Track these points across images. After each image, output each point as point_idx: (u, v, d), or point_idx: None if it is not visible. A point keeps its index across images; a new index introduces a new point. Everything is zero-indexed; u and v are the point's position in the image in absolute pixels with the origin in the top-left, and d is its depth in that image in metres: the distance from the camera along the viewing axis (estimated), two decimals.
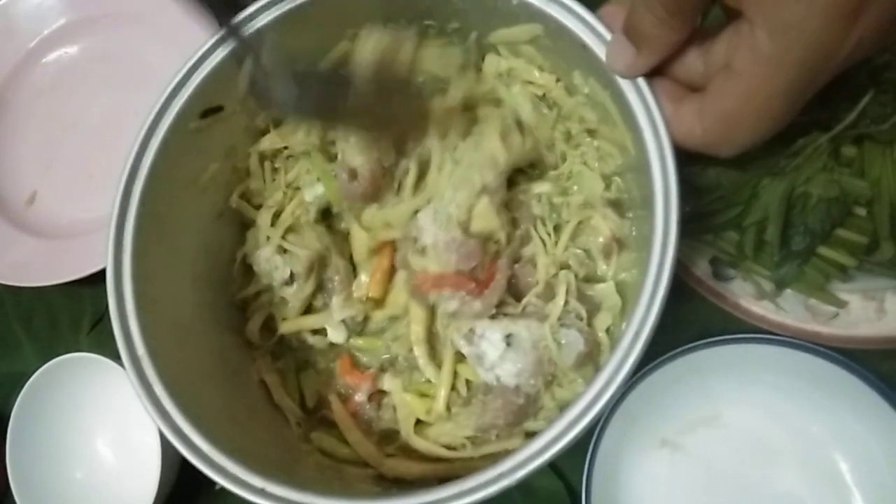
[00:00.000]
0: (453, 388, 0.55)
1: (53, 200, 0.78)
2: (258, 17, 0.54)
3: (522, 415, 0.52)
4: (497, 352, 0.52)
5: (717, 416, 0.57)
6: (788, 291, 0.56)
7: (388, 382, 0.57)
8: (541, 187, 0.57)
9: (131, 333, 0.49)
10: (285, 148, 0.61)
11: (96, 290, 0.71)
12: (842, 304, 0.55)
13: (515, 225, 0.56)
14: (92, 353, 0.63)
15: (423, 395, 0.56)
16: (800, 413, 0.55)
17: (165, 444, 0.57)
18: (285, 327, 0.60)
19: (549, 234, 0.55)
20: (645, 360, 0.53)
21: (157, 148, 0.52)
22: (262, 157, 0.61)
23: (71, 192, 0.78)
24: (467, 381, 0.55)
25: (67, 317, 0.74)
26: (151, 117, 0.53)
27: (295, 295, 0.59)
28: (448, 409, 0.55)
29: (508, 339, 0.52)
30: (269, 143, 0.61)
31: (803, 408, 0.55)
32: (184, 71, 0.54)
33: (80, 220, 0.76)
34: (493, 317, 0.53)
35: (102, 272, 0.51)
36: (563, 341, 0.52)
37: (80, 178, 0.78)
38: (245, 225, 0.62)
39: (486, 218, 0.54)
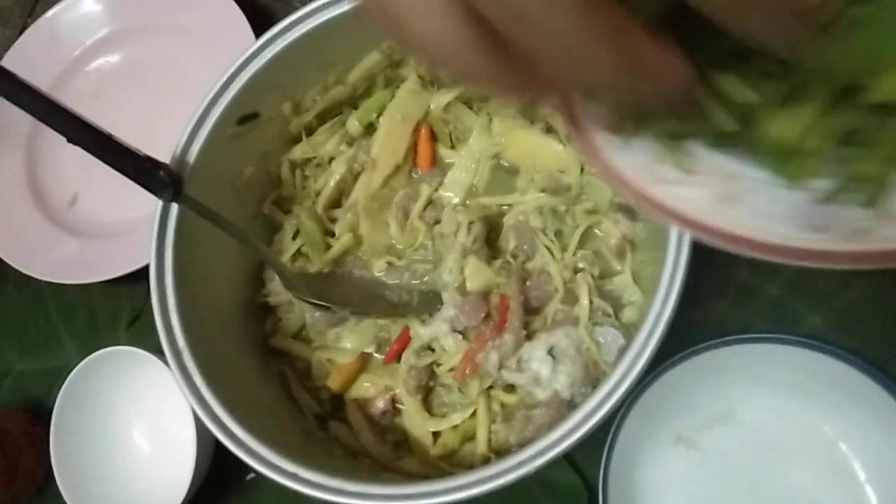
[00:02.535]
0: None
1: (94, 202, 0.82)
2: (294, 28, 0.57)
3: None
4: (548, 367, 0.53)
5: (731, 413, 0.58)
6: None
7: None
8: (538, 200, 0.59)
9: (172, 326, 0.51)
10: (314, 157, 0.64)
11: (134, 288, 0.74)
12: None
13: (517, 247, 0.58)
14: (131, 347, 0.66)
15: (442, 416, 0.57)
16: (813, 412, 0.56)
17: (200, 435, 0.59)
18: (276, 341, 0.62)
19: (552, 242, 0.57)
20: (661, 358, 0.55)
21: (197, 151, 0.56)
22: (294, 166, 0.64)
23: (110, 194, 0.81)
24: (502, 404, 0.56)
25: (106, 314, 0.77)
26: (193, 122, 0.56)
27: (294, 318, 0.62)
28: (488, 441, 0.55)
29: (552, 352, 0.54)
30: (300, 152, 0.64)
31: (817, 407, 0.56)
32: (223, 80, 0.57)
33: (118, 221, 0.79)
34: (528, 338, 0.55)
35: (139, 271, 0.54)
36: (601, 339, 0.54)
37: (119, 181, 0.80)
38: (275, 228, 0.64)
39: (479, 274, 0.56)
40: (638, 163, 0.35)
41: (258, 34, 0.59)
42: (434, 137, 0.64)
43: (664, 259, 0.46)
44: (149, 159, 0.50)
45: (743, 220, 0.32)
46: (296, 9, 0.57)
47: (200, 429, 0.59)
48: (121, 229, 0.78)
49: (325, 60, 0.60)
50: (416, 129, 0.63)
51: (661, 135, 0.34)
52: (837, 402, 0.56)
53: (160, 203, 0.54)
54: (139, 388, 0.68)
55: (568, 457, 0.59)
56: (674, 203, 0.33)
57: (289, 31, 0.57)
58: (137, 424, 0.70)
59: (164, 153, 0.54)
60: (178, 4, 0.82)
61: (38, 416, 0.72)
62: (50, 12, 0.86)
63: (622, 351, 0.52)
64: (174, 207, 0.54)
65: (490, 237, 0.59)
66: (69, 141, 0.49)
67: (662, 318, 0.45)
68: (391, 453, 0.56)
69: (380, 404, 0.57)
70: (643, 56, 0.24)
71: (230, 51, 0.58)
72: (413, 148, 0.64)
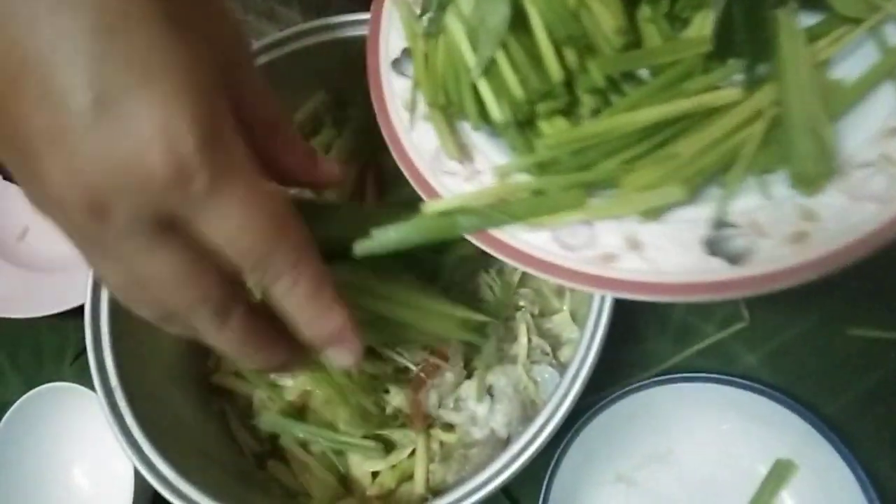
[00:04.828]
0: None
1: (43, 236, 0.81)
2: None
3: None
4: (485, 406, 0.54)
5: (669, 452, 0.59)
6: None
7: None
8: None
9: (105, 364, 0.51)
10: None
11: (81, 323, 0.73)
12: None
13: (460, 284, 0.57)
14: (72, 383, 0.65)
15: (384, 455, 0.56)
16: (748, 451, 0.57)
17: (138, 474, 0.58)
18: (217, 378, 0.61)
19: (494, 280, 0.57)
20: (600, 396, 0.56)
21: None
22: None
23: None
24: (441, 443, 0.56)
25: (52, 348, 0.76)
26: None
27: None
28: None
29: (490, 391, 0.54)
30: None
31: (751, 446, 0.57)
32: None
33: (68, 255, 0.78)
34: (468, 377, 0.55)
35: None
36: (538, 378, 0.55)
37: None
38: None
39: None
40: (429, 149, 0.39)
41: None
42: (382, 178, 0.64)
43: (592, 296, 0.46)
44: None
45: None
46: None
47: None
48: (70, 263, 0.77)
49: None
50: (364, 170, 0.64)
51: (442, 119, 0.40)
52: (771, 441, 0.56)
53: None
54: (79, 425, 0.67)
55: (507, 493, 0.59)
56: (445, 193, 0.38)
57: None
58: (77, 462, 0.69)
59: None
60: None
61: None
62: None
63: (555, 388, 0.52)
64: None
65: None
66: (4, 178, 0.48)
67: (590, 353, 0.46)
68: (330, 493, 0.56)
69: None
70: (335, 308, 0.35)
71: None
72: (361, 188, 0.64)
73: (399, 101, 0.42)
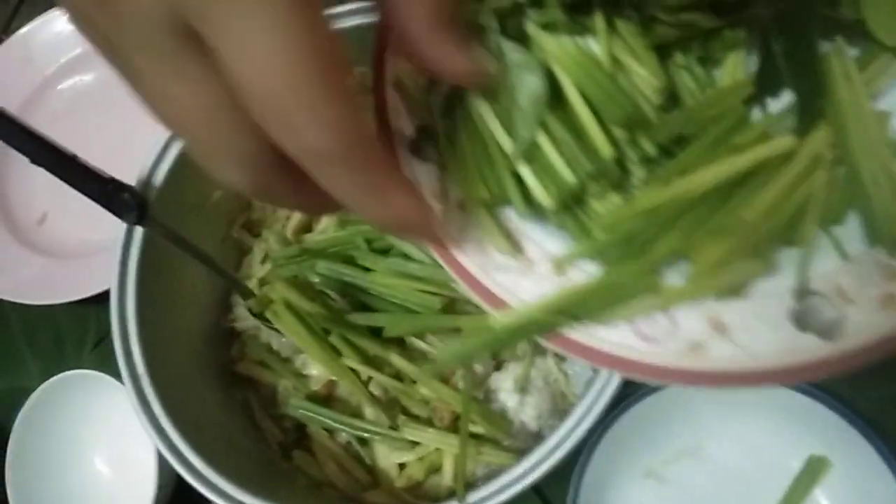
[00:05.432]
0: None
1: (63, 221, 0.81)
2: None
3: None
4: (514, 399, 0.53)
5: (699, 447, 0.58)
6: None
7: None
8: None
9: (132, 352, 0.51)
10: None
11: (101, 309, 0.73)
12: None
13: None
14: (93, 371, 0.65)
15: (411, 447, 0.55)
16: (780, 447, 0.56)
17: (162, 461, 0.58)
18: (241, 367, 0.60)
19: None
20: (629, 391, 0.55)
21: (165, 173, 0.55)
22: None
23: (80, 213, 0.79)
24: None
25: (72, 335, 0.75)
26: (162, 144, 0.55)
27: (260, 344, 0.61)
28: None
29: (521, 384, 0.53)
30: None
31: (783, 441, 0.56)
32: None
33: (88, 241, 0.78)
34: (497, 368, 0.55)
35: (107, 292, 0.53)
36: (569, 371, 0.54)
37: (90, 201, 0.80)
38: (244, 251, 0.64)
39: None
40: (472, 242, 0.34)
41: None
42: None
43: None
44: (113, 181, 0.50)
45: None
46: None
47: (162, 455, 0.58)
48: (90, 249, 0.77)
49: None
50: None
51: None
52: (804, 436, 0.55)
53: (125, 225, 0.53)
54: (102, 413, 0.67)
55: (536, 489, 0.58)
56: (504, 294, 0.33)
57: None
58: (98, 449, 0.68)
59: (136, 173, 0.54)
60: None
61: None
62: (24, 29, 0.85)
63: (590, 383, 0.51)
64: (139, 230, 0.53)
65: None
66: (32, 161, 0.48)
67: None
68: (355, 484, 0.55)
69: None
70: (392, 194, 0.27)
71: None
72: None
73: (427, 193, 0.36)
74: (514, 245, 0.34)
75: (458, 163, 0.35)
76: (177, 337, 0.56)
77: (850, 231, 0.31)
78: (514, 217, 0.35)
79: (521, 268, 0.34)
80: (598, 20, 0.32)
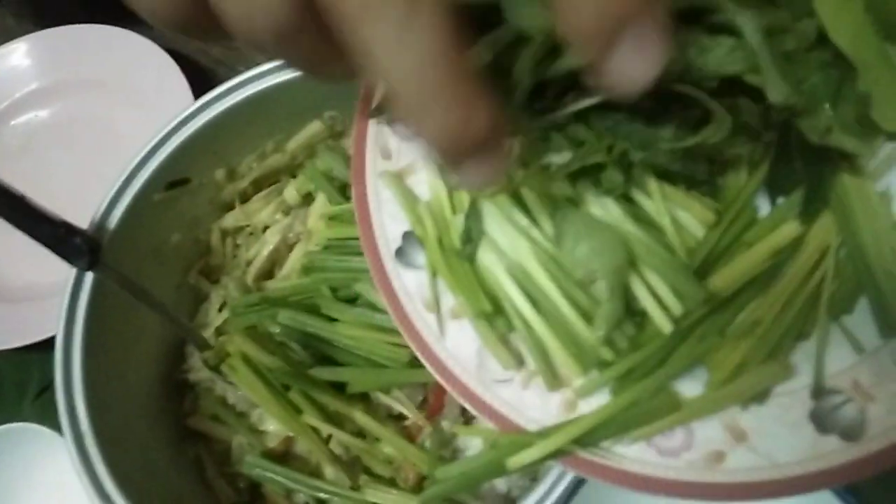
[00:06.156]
0: None
1: (10, 263, 0.77)
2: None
3: None
4: None
5: None
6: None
7: None
8: None
9: (76, 406, 0.47)
10: (247, 225, 0.61)
11: (46, 357, 0.69)
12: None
13: None
14: (33, 424, 0.61)
15: None
16: None
17: None
18: (193, 422, 0.57)
19: None
20: None
21: (119, 216, 0.52)
22: (224, 234, 0.61)
23: (29, 255, 0.76)
24: None
25: (12, 383, 0.71)
26: (117, 186, 0.53)
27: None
28: None
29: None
30: (232, 219, 0.61)
31: None
32: (153, 142, 0.54)
33: (35, 284, 0.74)
34: (466, 423, 0.52)
35: (53, 339, 0.50)
36: None
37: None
38: (201, 298, 0.61)
39: None
40: (468, 354, 0.33)
41: (198, 97, 0.57)
42: None
43: None
44: (64, 224, 0.47)
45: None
46: (239, 73, 0.56)
47: None
48: (36, 293, 0.73)
49: (265, 127, 0.58)
50: None
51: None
52: None
53: (74, 270, 0.50)
54: (40, 468, 0.62)
55: None
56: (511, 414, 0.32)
57: (229, 94, 0.56)
58: None
59: (91, 215, 0.52)
60: (116, 62, 0.79)
61: None
62: None
63: None
64: (89, 276, 0.50)
65: None
66: None
67: None
68: None
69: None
70: (462, 91, 0.20)
71: (168, 112, 0.56)
72: None
73: (419, 302, 0.34)
74: (515, 357, 0.33)
75: (465, 284, 0.33)
76: (125, 389, 0.52)
77: (863, 321, 0.30)
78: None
79: (524, 379, 0.33)
80: (651, 183, 0.31)
